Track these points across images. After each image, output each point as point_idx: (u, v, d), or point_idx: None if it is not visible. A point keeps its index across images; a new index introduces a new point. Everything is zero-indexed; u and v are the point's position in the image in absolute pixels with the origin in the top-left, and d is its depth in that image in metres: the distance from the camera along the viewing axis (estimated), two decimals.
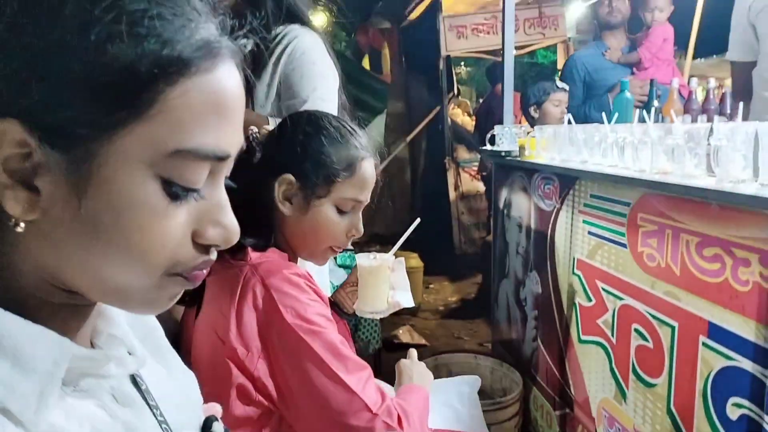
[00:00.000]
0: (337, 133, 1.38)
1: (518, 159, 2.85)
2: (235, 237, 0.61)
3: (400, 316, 4.65)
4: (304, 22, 1.93)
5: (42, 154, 0.50)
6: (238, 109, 0.58)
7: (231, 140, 0.57)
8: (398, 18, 7.13)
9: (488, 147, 3.24)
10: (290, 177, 1.35)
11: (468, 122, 7.09)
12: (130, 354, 0.68)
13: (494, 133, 3.21)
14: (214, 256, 0.61)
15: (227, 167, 0.60)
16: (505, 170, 3.12)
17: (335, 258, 3.38)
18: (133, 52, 0.50)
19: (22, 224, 0.52)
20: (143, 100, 0.51)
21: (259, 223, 1.35)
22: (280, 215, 1.38)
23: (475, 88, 11.30)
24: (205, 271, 0.61)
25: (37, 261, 0.54)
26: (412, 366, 1.53)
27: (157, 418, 0.68)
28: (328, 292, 2.04)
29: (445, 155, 6.24)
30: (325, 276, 2.02)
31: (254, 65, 1.88)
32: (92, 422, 0.58)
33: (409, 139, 6.65)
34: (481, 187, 6.12)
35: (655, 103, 2.93)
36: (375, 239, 6.74)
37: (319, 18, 6.44)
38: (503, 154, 3.00)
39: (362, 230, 1.43)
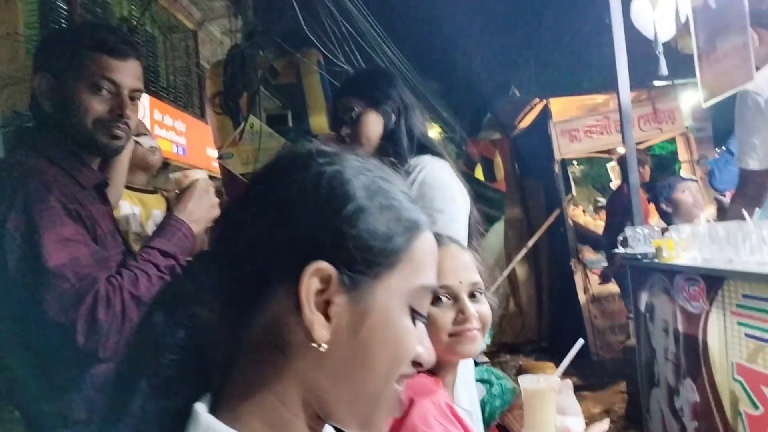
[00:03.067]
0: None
1: (656, 261, 2.77)
2: (433, 358, 0.75)
3: None
4: (434, 152, 2.07)
5: (336, 289, 0.67)
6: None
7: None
8: (508, 128, 7.30)
9: (621, 250, 3.18)
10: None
11: (590, 222, 6.97)
12: None
13: (626, 235, 3.15)
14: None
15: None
16: (643, 272, 3.03)
17: None
18: (402, 227, 0.72)
19: (324, 345, 0.66)
20: (403, 251, 0.71)
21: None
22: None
23: (592, 186, 11.15)
24: None
25: (308, 384, 0.68)
26: None
27: None
28: (476, 407, 1.99)
29: (571, 257, 6.12)
30: (471, 391, 1.98)
31: None
32: None
33: (530, 244, 6.59)
34: (613, 288, 5.90)
35: None
36: (503, 348, 6.59)
37: (431, 134, 6.72)
38: (639, 256, 2.93)
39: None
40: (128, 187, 2.12)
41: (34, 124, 1.61)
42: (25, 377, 1.51)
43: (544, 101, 6.26)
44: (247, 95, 6.66)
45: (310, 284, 0.65)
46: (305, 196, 0.68)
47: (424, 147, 2.07)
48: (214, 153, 7.11)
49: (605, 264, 6.07)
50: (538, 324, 6.93)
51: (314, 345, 0.66)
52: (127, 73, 1.55)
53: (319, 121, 8.27)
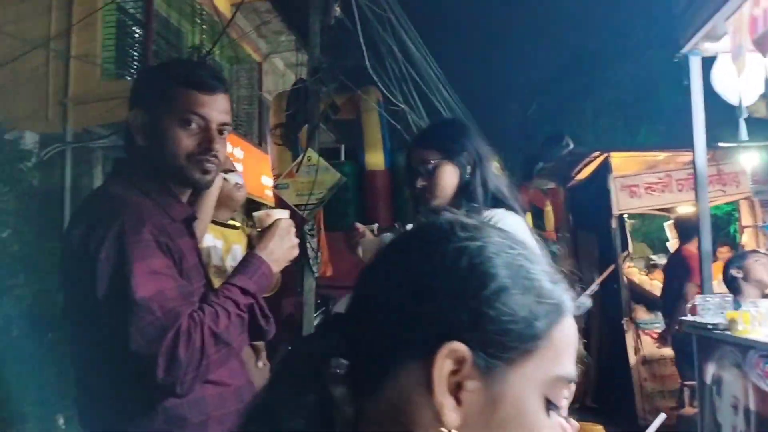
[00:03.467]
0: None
1: (729, 333, 2.68)
2: None
3: None
4: (508, 206, 2.06)
5: (470, 373, 0.64)
6: None
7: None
8: (564, 178, 7.24)
9: (689, 317, 3.09)
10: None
11: (645, 281, 6.80)
12: None
13: (695, 303, 3.06)
14: None
15: None
16: (712, 343, 2.94)
17: None
18: (544, 310, 0.67)
19: (454, 431, 0.63)
20: (543, 337, 0.67)
21: None
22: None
23: (648, 245, 10.94)
24: None
25: None
26: None
27: None
28: None
29: (623, 316, 5.96)
30: None
31: None
32: None
33: (582, 299, 6.46)
34: (665, 351, 5.72)
35: None
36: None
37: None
38: (709, 326, 2.84)
39: None
40: (212, 221, 2.16)
41: (128, 157, 1.65)
42: (99, 403, 1.54)
43: (605, 155, 6.20)
44: (307, 128, 6.77)
45: (443, 365, 0.63)
46: (445, 272, 0.67)
47: (498, 201, 2.06)
48: (268, 181, 7.22)
49: (658, 325, 5.91)
50: (585, 382, 6.75)
51: (442, 429, 0.63)
52: (215, 107, 1.58)
53: (375, 158, 8.35)
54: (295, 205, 5.96)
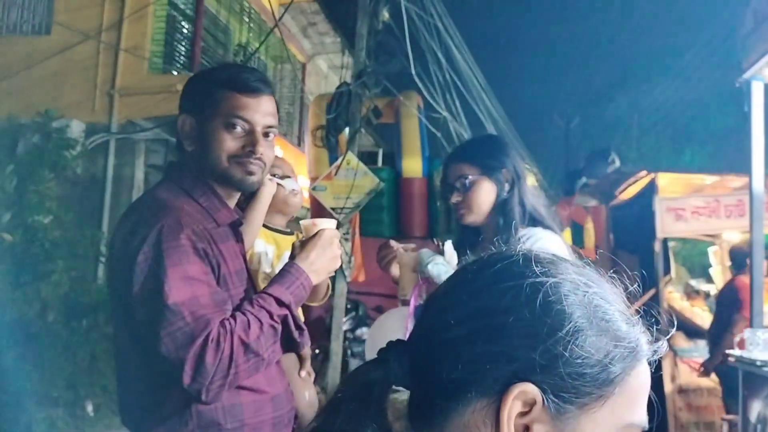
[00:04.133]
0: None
1: None
2: None
3: None
4: (546, 225, 2.01)
5: (539, 416, 0.62)
6: None
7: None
8: (607, 196, 7.08)
9: (737, 351, 2.96)
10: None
11: (686, 308, 6.62)
12: None
13: (744, 336, 2.94)
14: None
15: None
16: (760, 380, 2.81)
17: None
18: (620, 355, 0.64)
19: None
20: (617, 383, 0.64)
21: None
22: None
23: (687, 268, 10.68)
24: None
25: None
26: None
27: None
28: None
29: None
30: None
31: None
32: None
33: None
34: (703, 381, 5.54)
35: None
36: None
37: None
38: (759, 363, 2.72)
39: None
40: (265, 226, 2.15)
41: (178, 160, 1.67)
42: (136, 402, 1.56)
43: (652, 175, 6.03)
44: (348, 132, 6.76)
45: (512, 406, 0.61)
46: (519, 310, 0.64)
47: (535, 220, 2.01)
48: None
49: (697, 354, 5.72)
50: None
51: None
52: (260, 110, 1.57)
53: (412, 165, 8.30)
54: (332, 208, 5.95)
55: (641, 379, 0.67)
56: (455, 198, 1.99)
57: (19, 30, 7.97)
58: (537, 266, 0.66)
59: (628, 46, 18.51)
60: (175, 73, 7.76)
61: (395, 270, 2.09)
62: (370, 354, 2.14)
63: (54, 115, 6.46)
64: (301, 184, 2.38)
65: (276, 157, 2.23)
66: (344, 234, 5.90)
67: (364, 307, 7.30)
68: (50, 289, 5.86)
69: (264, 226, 2.09)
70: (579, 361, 0.62)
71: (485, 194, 1.99)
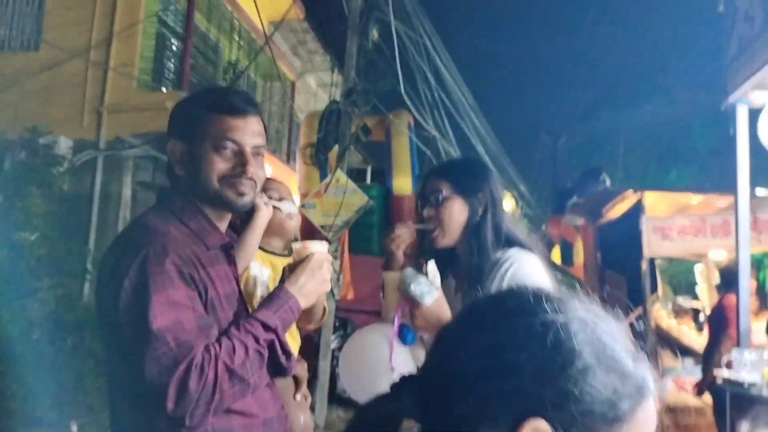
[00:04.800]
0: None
1: (765, 393, 2.57)
2: None
3: None
4: (522, 245, 1.99)
5: None
6: None
7: None
8: (594, 215, 7.14)
9: (725, 372, 2.98)
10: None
11: (673, 326, 6.65)
12: None
13: (731, 357, 2.96)
14: None
15: None
16: (746, 401, 2.82)
17: None
18: (627, 392, 0.66)
19: None
20: (624, 420, 0.65)
21: None
22: None
23: (672, 286, 10.74)
24: None
25: None
26: None
27: None
28: None
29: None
30: None
31: (472, 281, 1.94)
32: None
33: None
34: (692, 401, 5.55)
35: None
36: None
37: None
38: (746, 385, 2.73)
39: None
40: (262, 249, 2.15)
41: (169, 186, 1.67)
42: (126, 424, 1.57)
43: (638, 194, 6.09)
44: (337, 149, 6.78)
45: None
46: (531, 346, 0.66)
47: (511, 241, 1.99)
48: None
49: (684, 372, 5.75)
50: None
51: None
52: (248, 130, 1.60)
53: (402, 183, 8.33)
54: (321, 226, 5.95)
55: (648, 415, 0.68)
56: (427, 212, 1.98)
57: (7, 46, 7.95)
58: (547, 304, 0.68)
59: (614, 65, 18.74)
60: (163, 90, 7.75)
61: (400, 254, 2.04)
62: (344, 371, 2.12)
63: (42, 131, 6.43)
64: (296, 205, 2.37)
65: (272, 179, 2.24)
66: (333, 252, 5.90)
67: (352, 325, 7.27)
68: (36, 306, 5.79)
69: (260, 248, 2.08)
70: (589, 398, 0.64)
71: (457, 213, 1.97)
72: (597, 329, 0.68)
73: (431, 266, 1.90)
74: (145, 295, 1.40)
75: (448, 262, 2.10)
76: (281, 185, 2.28)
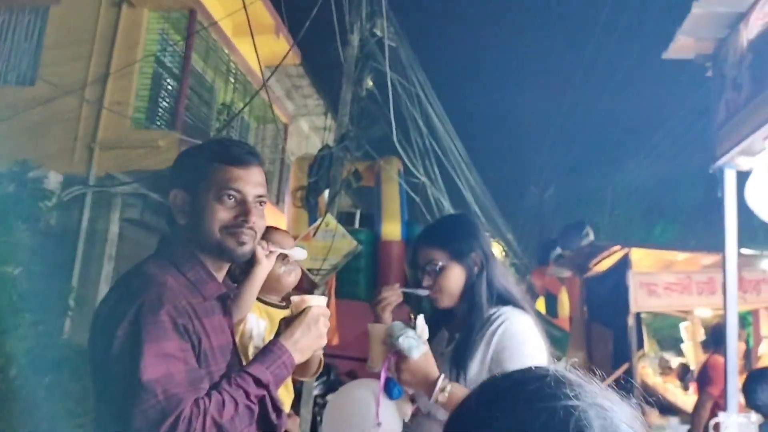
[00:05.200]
0: None
1: None
2: None
3: None
4: (516, 304, 2.03)
5: None
6: None
7: None
8: (581, 268, 7.17)
9: None
10: None
11: (659, 384, 6.63)
12: None
13: (719, 420, 2.95)
14: None
15: None
16: None
17: None
18: None
19: None
20: None
21: None
22: None
23: (657, 341, 10.75)
24: None
25: None
26: None
27: None
28: None
29: None
30: None
31: (464, 348, 1.97)
32: None
33: None
34: None
35: None
36: None
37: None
38: None
39: None
40: (260, 300, 2.15)
41: (170, 236, 1.69)
42: None
43: (626, 250, 6.14)
44: (328, 194, 6.81)
45: None
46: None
47: (504, 299, 2.04)
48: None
49: (670, 431, 5.71)
50: None
51: None
52: (250, 181, 1.61)
53: (391, 229, 8.33)
54: (308, 269, 5.93)
55: None
56: (426, 282, 2.01)
57: (3, 80, 7.98)
58: (568, 389, 0.70)
59: (603, 122, 19.10)
60: (156, 128, 7.78)
61: (387, 316, 2.07)
62: (329, 426, 2.09)
63: (32, 165, 6.40)
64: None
65: (277, 229, 2.25)
66: (320, 293, 5.86)
67: (336, 371, 7.17)
68: (15, 342, 5.67)
69: (258, 299, 2.08)
70: None
71: (456, 279, 2.02)
72: (614, 417, 0.69)
73: (420, 320, 1.88)
74: (137, 346, 1.39)
75: (441, 314, 2.12)
76: (286, 235, 2.27)
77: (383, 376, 1.88)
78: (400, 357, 1.84)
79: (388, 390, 1.91)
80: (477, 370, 1.94)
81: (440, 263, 2.00)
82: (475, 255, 2.03)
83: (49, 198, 6.53)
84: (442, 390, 1.80)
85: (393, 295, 2.08)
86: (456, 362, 1.94)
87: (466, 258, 2.02)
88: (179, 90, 7.69)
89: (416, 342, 1.82)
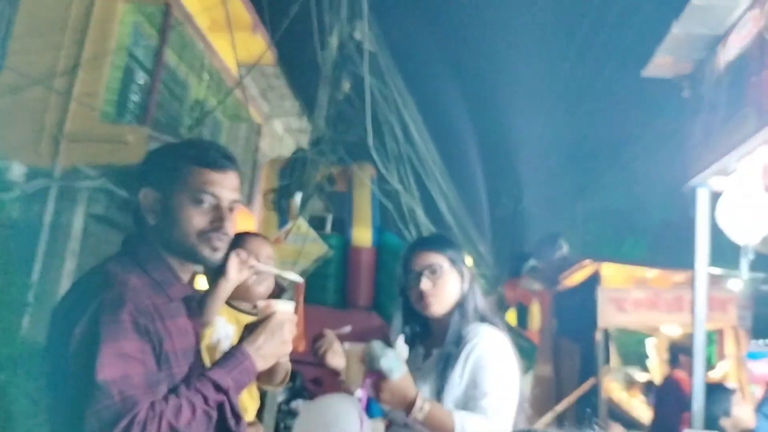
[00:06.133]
0: None
1: None
2: None
3: None
4: (491, 322, 2.09)
5: None
6: None
7: None
8: (552, 282, 7.18)
9: None
10: None
11: (624, 399, 6.65)
12: None
13: None
14: None
15: None
16: None
17: None
18: None
19: None
20: None
21: None
22: None
23: (622, 356, 10.84)
24: None
25: None
26: None
27: None
28: None
29: None
30: None
31: (446, 363, 2.02)
32: None
33: (559, 409, 6.28)
34: None
35: None
36: None
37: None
38: None
39: None
40: (228, 304, 2.14)
41: (137, 235, 1.64)
42: None
43: (596, 265, 6.17)
44: (300, 197, 6.73)
45: None
46: None
47: (482, 317, 2.09)
48: None
49: None
50: None
51: None
52: (227, 185, 1.59)
53: (362, 235, 8.27)
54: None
55: None
56: (426, 284, 2.04)
57: None
58: None
59: (578, 135, 19.34)
60: (126, 123, 7.60)
61: (333, 360, 2.08)
62: None
63: None
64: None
65: (262, 241, 2.19)
66: (288, 298, 5.78)
67: (301, 378, 7.08)
68: None
69: (227, 303, 2.06)
70: None
71: (453, 285, 2.07)
72: None
73: (400, 341, 1.91)
74: (95, 345, 1.36)
75: (417, 331, 2.16)
76: (263, 242, 2.21)
77: (364, 396, 1.90)
78: (380, 377, 1.85)
79: (368, 409, 1.93)
80: (455, 384, 1.98)
81: (443, 266, 2.06)
82: (465, 269, 2.11)
83: (12, 189, 6.34)
84: (420, 409, 1.85)
85: (326, 340, 2.10)
86: (438, 376, 1.99)
87: (461, 268, 2.10)
88: (151, 85, 7.52)
89: (397, 363, 1.85)
